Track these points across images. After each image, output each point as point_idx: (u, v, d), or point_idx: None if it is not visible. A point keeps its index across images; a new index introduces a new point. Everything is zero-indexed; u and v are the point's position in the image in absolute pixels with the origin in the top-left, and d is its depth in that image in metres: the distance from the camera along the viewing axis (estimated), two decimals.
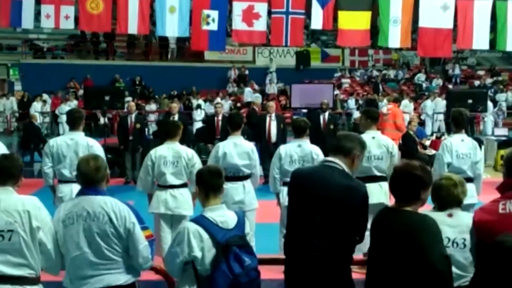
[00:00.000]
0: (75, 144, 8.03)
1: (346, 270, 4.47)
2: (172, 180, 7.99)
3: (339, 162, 4.49)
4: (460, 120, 8.39)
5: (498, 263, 3.04)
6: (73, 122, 8.25)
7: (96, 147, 8.05)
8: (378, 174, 8.21)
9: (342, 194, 4.37)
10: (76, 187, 7.32)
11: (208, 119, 16.81)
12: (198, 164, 7.91)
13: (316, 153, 8.25)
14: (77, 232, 4.40)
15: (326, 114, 16.10)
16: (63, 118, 27.27)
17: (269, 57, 35.02)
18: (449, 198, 4.67)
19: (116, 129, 19.03)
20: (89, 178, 4.52)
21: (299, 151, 8.29)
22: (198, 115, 24.66)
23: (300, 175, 4.72)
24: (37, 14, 16.23)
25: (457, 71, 35.77)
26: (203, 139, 16.63)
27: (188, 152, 8.08)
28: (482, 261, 3.15)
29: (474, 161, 8.24)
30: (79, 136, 8.13)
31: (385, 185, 8.08)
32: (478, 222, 4.11)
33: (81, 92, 28.86)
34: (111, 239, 4.40)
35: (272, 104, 16.70)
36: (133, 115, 15.82)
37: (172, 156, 8.00)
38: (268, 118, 15.35)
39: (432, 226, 4.00)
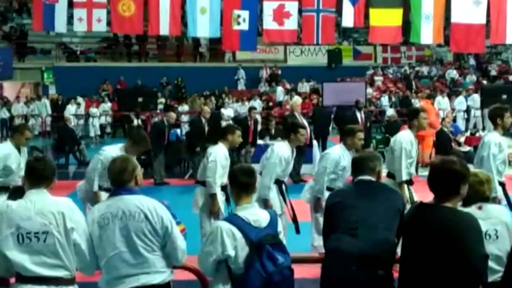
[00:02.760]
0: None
1: (389, 271, 4.56)
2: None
3: (371, 178, 4.94)
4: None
5: None
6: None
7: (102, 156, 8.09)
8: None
9: (390, 198, 4.78)
10: None
11: (242, 122, 16.81)
12: (210, 165, 8.14)
13: None
14: (113, 232, 4.43)
15: (362, 112, 16.04)
16: (95, 120, 27.65)
17: (239, 65, 34.65)
18: (475, 195, 4.69)
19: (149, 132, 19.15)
20: (115, 179, 4.59)
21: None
22: (229, 112, 24.69)
23: (343, 193, 5.15)
24: (70, 18, 16.42)
25: (471, 61, 35.71)
26: None
27: (209, 152, 8.31)
28: None
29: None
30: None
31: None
32: None
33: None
34: (148, 237, 4.42)
35: (297, 102, 16.46)
36: (170, 124, 15.97)
37: (206, 155, 8.32)
38: (298, 117, 15.12)
39: (474, 224, 4.01)
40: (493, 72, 33.82)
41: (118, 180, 4.56)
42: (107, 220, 4.46)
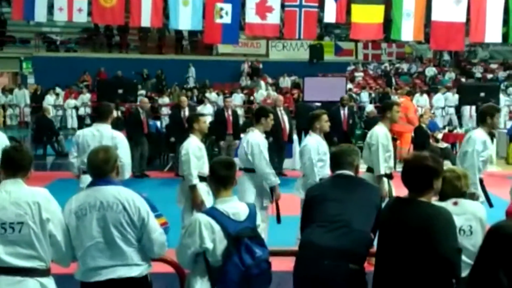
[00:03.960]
0: (100, 136, 8.26)
1: (361, 266, 4.58)
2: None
3: (350, 173, 4.97)
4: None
5: (494, 249, 3.05)
6: (101, 114, 8.59)
7: (119, 138, 8.27)
8: None
9: (367, 194, 4.82)
10: None
11: (218, 114, 16.78)
12: (183, 158, 8.13)
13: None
14: (90, 223, 4.41)
15: (346, 109, 16.07)
16: (72, 112, 27.45)
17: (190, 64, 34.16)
18: (451, 191, 4.76)
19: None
20: (97, 169, 4.55)
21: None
22: (207, 109, 24.61)
23: (322, 187, 5.24)
24: (50, 7, 16.27)
25: (446, 56, 36.22)
26: (214, 134, 16.68)
27: (181, 147, 8.32)
28: (481, 248, 3.17)
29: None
30: (105, 128, 8.37)
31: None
32: (510, 213, 4.21)
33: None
34: (125, 228, 4.40)
35: (280, 98, 16.57)
36: (145, 111, 15.89)
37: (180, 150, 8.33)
38: (279, 112, 15.13)
39: (448, 218, 4.07)
40: (478, 74, 33.85)
41: (101, 171, 4.54)
42: (84, 210, 4.44)
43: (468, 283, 3.12)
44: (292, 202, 8.60)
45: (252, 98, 29.59)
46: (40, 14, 15.64)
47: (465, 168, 7.53)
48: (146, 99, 17.42)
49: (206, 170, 7.87)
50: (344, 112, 15.92)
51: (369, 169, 8.38)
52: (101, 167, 4.53)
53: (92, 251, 4.41)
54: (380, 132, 8.42)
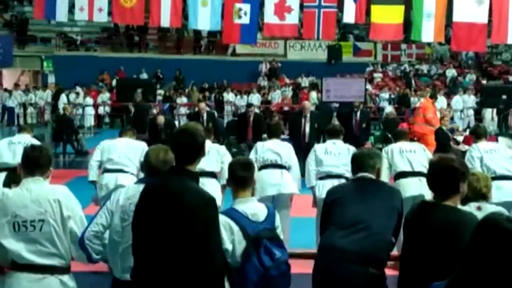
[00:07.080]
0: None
1: (382, 270, 4.54)
2: (202, 166, 8.13)
3: (371, 176, 4.87)
4: None
5: (483, 243, 2.96)
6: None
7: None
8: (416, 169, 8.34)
9: (388, 197, 4.77)
10: (121, 176, 8.09)
11: (240, 118, 16.77)
12: (227, 157, 8.27)
13: (350, 148, 8.45)
14: None
15: (358, 113, 15.99)
16: (88, 110, 27.37)
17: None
18: (471, 193, 4.66)
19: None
20: (157, 170, 4.51)
21: (335, 148, 8.64)
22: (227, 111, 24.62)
23: (342, 189, 5.15)
24: (71, 7, 16.39)
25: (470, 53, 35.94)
26: (234, 134, 16.68)
27: (218, 147, 8.64)
28: (471, 241, 3.08)
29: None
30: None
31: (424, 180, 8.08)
32: None
33: (114, 84, 29.13)
34: None
35: (308, 104, 16.49)
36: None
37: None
38: (303, 119, 15.11)
39: (476, 224, 3.94)
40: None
41: (161, 170, 4.50)
42: (133, 206, 4.40)
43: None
44: (310, 204, 8.62)
45: (269, 98, 29.59)
46: (61, 14, 15.77)
47: None
48: (162, 117, 17.24)
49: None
50: (356, 118, 15.86)
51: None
52: (161, 168, 4.49)
53: None
54: None
